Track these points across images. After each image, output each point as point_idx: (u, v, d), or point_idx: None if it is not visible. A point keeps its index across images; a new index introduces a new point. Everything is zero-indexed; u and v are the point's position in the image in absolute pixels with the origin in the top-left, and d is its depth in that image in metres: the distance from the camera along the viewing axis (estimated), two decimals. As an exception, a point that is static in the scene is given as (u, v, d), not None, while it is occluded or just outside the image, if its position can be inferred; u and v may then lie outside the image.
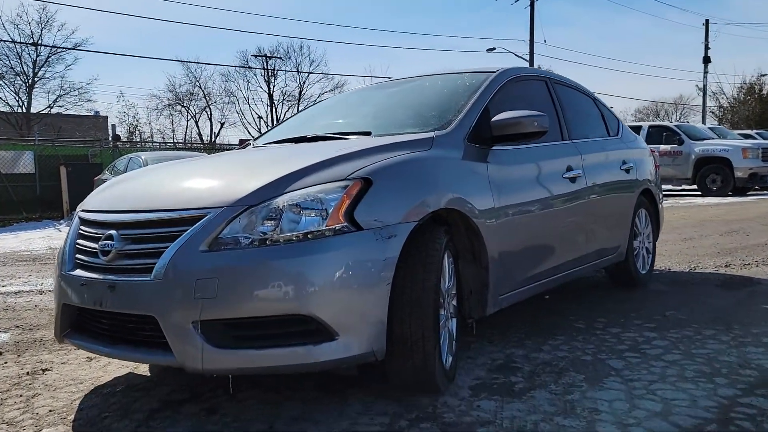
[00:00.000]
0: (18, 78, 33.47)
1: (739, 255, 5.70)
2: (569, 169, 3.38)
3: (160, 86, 69.44)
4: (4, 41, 32.17)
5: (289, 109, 39.94)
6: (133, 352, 2.20)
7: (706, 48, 35.01)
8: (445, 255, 2.38)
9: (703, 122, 33.12)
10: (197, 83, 40.12)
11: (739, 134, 18.85)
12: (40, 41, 32.93)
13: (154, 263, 2.08)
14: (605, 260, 3.86)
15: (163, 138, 39.10)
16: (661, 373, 2.55)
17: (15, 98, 33.91)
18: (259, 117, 39.92)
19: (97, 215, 2.43)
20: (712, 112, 42.25)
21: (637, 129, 13.92)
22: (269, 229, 2.07)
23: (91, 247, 2.36)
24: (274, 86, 39.59)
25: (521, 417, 2.15)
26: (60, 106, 35.40)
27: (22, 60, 33.46)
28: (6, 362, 3.21)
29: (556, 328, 3.35)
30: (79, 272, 2.35)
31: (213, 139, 39.46)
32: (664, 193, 4.98)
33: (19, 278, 6.13)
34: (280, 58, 39.20)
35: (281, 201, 2.10)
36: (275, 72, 39.14)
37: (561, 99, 3.68)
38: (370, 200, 2.15)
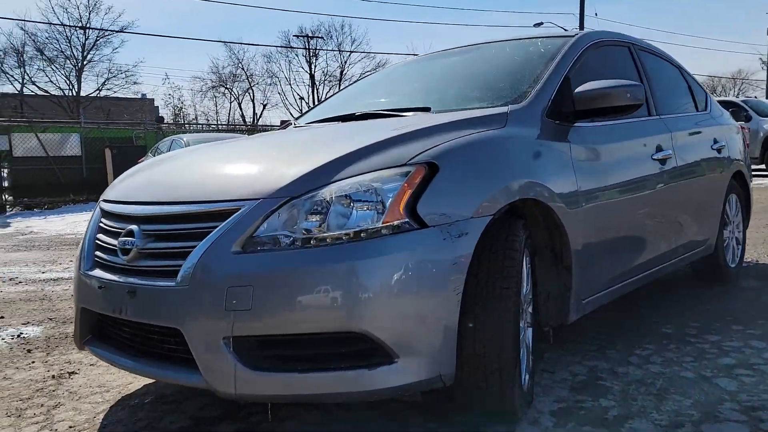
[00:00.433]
0: (68, 62, 34.15)
1: (836, 244, 5.07)
2: (659, 149, 2.89)
3: (204, 68, 70.15)
4: (54, 24, 32.81)
5: (329, 89, 39.66)
6: (158, 368, 1.88)
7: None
8: (524, 255, 1.97)
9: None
10: (240, 65, 40.20)
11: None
12: (88, 24, 33.45)
13: (180, 266, 1.75)
14: (693, 254, 3.36)
15: (207, 120, 39.43)
16: (787, 398, 2.10)
17: (66, 82, 34.66)
18: (301, 98, 39.77)
19: (118, 206, 2.12)
20: (776, 87, 39.85)
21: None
22: (314, 225, 1.71)
23: (110, 244, 2.04)
24: (315, 66, 39.31)
25: (622, 457, 1.75)
26: (108, 89, 36.03)
27: (71, 44, 34.11)
28: (33, 362, 2.97)
29: (639, 333, 2.90)
30: (97, 272, 2.04)
31: (255, 120, 39.59)
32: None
33: (60, 263, 6.01)
34: (322, 37, 38.83)
35: (328, 191, 1.73)
36: (317, 52, 38.83)
37: (646, 68, 3.18)
38: (436, 190, 1.75)
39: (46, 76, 35.17)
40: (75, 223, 10.09)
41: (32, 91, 33.56)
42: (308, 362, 1.66)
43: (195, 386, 1.75)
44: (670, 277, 4.15)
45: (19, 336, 3.43)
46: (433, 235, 1.71)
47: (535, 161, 2.12)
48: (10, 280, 5.18)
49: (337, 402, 2.11)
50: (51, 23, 32.73)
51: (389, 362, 1.64)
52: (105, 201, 2.25)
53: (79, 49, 34.26)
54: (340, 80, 39.41)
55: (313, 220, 1.72)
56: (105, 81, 35.40)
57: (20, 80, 32.90)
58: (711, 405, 2.06)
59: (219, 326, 1.67)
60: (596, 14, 56.18)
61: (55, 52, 33.53)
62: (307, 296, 1.63)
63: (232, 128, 29.12)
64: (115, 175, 13.21)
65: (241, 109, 41.20)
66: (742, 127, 4.21)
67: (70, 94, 34.54)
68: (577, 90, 2.38)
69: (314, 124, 2.79)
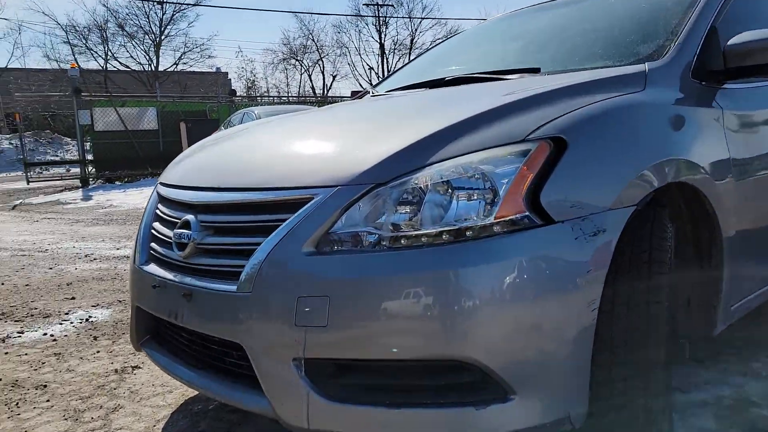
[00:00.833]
0: (147, 37, 35.13)
1: None
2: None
3: (276, 40, 70.85)
4: (133, 0, 33.71)
5: (399, 59, 38.96)
6: (218, 385, 1.58)
7: None
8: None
9: None
10: (310, 36, 40.10)
11: None
12: None
13: (242, 266, 1.43)
14: None
15: (278, 92, 39.78)
16: None
17: (145, 57, 35.73)
18: (370, 68, 39.32)
19: (174, 192, 1.83)
20: None
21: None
22: (404, 219, 1.34)
23: (166, 236, 1.76)
24: (385, 35, 38.62)
25: None
26: (184, 63, 36.86)
27: (150, 19, 35.00)
28: (98, 351, 2.81)
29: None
30: (152, 268, 1.77)
31: (325, 92, 39.57)
32: None
33: (134, 239, 5.97)
34: (392, 5, 38.00)
35: (423, 177, 1.35)
36: (387, 20, 38.09)
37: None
38: (565, 173, 1.34)
39: (127, 51, 36.42)
40: (152, 196, 10.23)
41: (114, 67, 34.84)
42: (399, 395, 1.31)
43: (262, 413, 1.45)
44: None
45: (87, 320, 3.30)
46: (561, 233, 1.30)
47: (682, 134, 1.65)
48: (86, 256, 5.16)
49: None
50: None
51: (503, 399, 1.27)
52: (162, 184, 1.97)
53: (157, 24, 35.11)
54: (410, 49, 38.63)
55: (404, 212, 1.35)
56: (181, 55, 36.24)
57: (104, 56, 34.19)
58: None
59: (288, 345, 1.34)
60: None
61: (134, 28, 34.54)
62: (397, 312, 1.27)
63: (302, 100, 29.17)
64: (190, 149, 13.39)
65: (311, 80, 41.28)
66: None
67: (149, 68, 35.62)
68: (729, 43, 1.87)
69: (396, 93, 2.39)
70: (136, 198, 10.16)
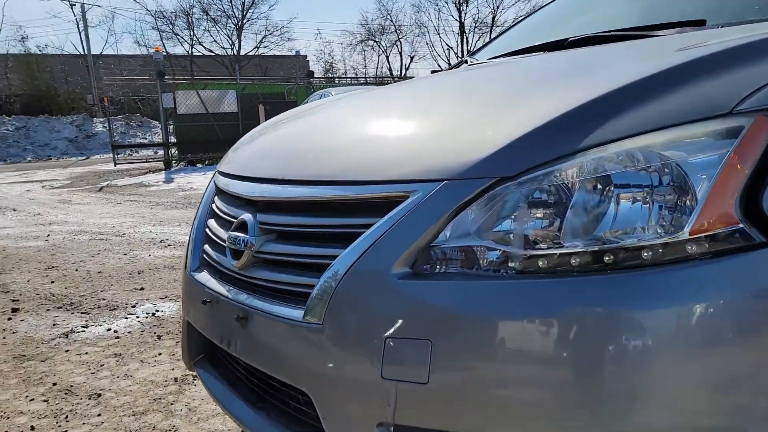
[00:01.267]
0: (229, 21, 35.87)
1: None
2: None
3: (354, 22, 70.86)
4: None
5: (479, 38, 37.79)
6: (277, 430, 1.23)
7: None
8: None
9: None
10: (388, 16, 39.65)
11: None
12: (246, -17, 34.69)
13: (311, 286, 1.06)
14: None
15: (356, 74, 39.67)
16: None
17: (228, 41, 36.54)
18: (449, 48, 38.42)
19: (232, 183, 1.47)
20: None
21: None
22: (540, 229, 0.92)
23: (220, 238, 1.42)
24: (465, 14, 37.54)
25: None
26: (265, 47, 37.41)
27: (233, 3, 35.70)
28: (160, 354, 2.56)
29: None
30: (203, 277, 1.43)
31: (403, 73, 39.07)
32: None
33: (210, 225, 5.83)
34: (473, -18, 36.83)
35: (571, 168, 0.91)
36: (467, -3, 36.97)
37: None
38: (798, 164, 0.87)
39: (211, 36, 37.37)
40: (230, 179, 10.20)
41: (199, 52, 35.84)
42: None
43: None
44: None
45: (153, 315, 3.09)
46: (793, 259, 0.84)
47: None
48: (161, 242, 5.04)
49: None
50: (213, -15, 34.42)
51: None
52: (220, 173, 1.62)
53: (240, 8, 35.75)
54: (491, 27, 37.35)
55: (541, 220, 0.93)
56: (262, 38, 36.79)
57: (189, 41, 35.22)
58: None
59: (371, 403, 0.96)
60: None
61: (218, 13, 35.34)
62: (534, 373, 0.85)
63: (380, 81, 28.86)
64: (268, 131, 13.32)
65: (388, 62, 40.87)
66: None
67: (232, 53, 36.40)
68: None
69: (503, 59, 1.92)
70: (215, 181, 10.17)
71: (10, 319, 3.13)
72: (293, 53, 40.89)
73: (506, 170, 0.94)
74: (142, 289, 3.59)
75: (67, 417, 2.01)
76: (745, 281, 0.83)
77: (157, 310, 3.16)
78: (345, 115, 1.54)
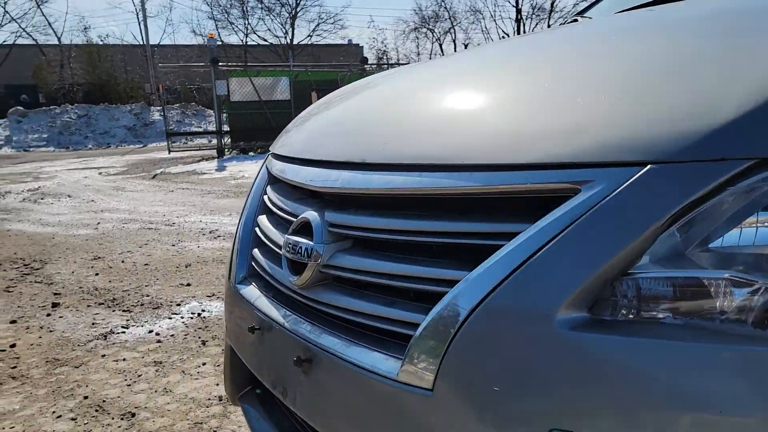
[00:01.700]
0: (283, 10, 35.94)
1: None
2: None
3: (407, 9, 70.20)
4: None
5: (537, 24, 36.64)
6: None
7: None
8: None
9: None
10: (443, 3, 38.92)
11: None
12: (300, -29, 34.62)
13: (413, 326, 0.69)
14: None
15: (409, 62, 39.14)
16: None
17: (281, 29, 36.64)
18: (505, 35, 37.40)
19: (289, 169, 1.10)
20: None
21: None
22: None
23: (273, 243, 1.06)
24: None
25: None
26: (318, 35, 37.34)
27: (286, -8, 35.73)
28: (204, 364, 2.25)
29: None
30: (251, 293, 1.08)
31: (457, 61, 38.32)
32: None
33: (262, 215, 5.56)
34: (531, -34, 35.66)
35: None
36: (524, -17, 35.85)
37: None
38: None
39: (265, 25, 37.53)
40: (282, 167, 9.97)
41: (254, 41, 36.07)
42: None
43: None
44: None
45: (198, 315, 2.80)
46: None
47: None
48: (210, 233, 4.79)
49: None
50: (268, -28, 34.48)
51: None
52: (275, 156, 1.26)
53: (293, -4, 35.75)
54: (550, 13, 36.16)
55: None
56: (316, 26, 36.76)
57: (244, 30, 35.51)
58: None
59: None
60: None
61: (272, 1, 35.44)
62: None
63: (433, 70, 28.32)
64: (321, 119, 13.06)
65: (441, 50, 40.19)
66: None
67: (285, 42, 36.49)
68: None
69: (642, 11, 1.46)
70: (267, 169, 9.97)
71: (49, 315, 2.90)
72: (346, 42, 40.79)
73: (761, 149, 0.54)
74: (188, 285, 3.31)
75: (94, 443, 1.72)
76: None
77: (203, 310, 2.87)
78: (448, 74, 1.13)
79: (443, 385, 0.64)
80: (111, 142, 20.97)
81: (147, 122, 23.66)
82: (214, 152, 13.49)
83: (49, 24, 40.76)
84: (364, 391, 0.75)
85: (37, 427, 1.82)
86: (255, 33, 36.13)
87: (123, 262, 3.92)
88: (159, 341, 2.51)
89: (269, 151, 1.34)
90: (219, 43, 13.50)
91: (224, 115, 13.61)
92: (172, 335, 2.57)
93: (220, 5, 34.85)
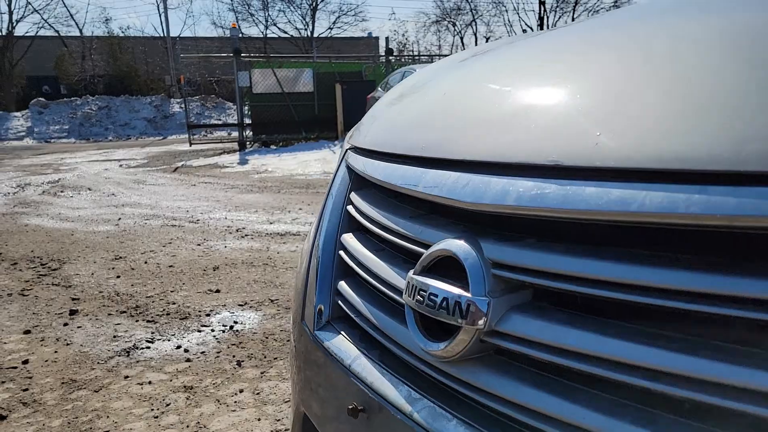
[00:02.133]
0: (303, 1, 35.67)
1: None
2: None
3: (429, 1, 69.54)
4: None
5: (560, 17, 35.95)
6: None
7: None
8: None
9: None
10: (464, -5, 38.28)
11: None
12: (321, -37, 34.27)
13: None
14: None
15: (430, 55, 38.68)
16: None
17: (302, 22, 36.38)
18: (528, 27, 36.73)
19: (400, 171, 0.76)
20: None
21: None
22: None
23: (380, 280, 0.73)
24: (547, -8, 35.68)
25: None
26: (339, 27, 37.00)
27: (307, -17, 35.40)
28: (241, 390, 1.95)
29: None
30: (343, 347, 0.76)
31: (479, 54, 37.76)
32: None
33: (289, 212, 5.26)
34: (555, -42, 34.90)
35: None
36: (549, -25, 35.08)
37: None
38: None
39: (285, 17, 37.24)
40: (306, 162, 9.69)
41: (274, 33, 35.84)
42: None
43: None
44: None
45: (231, 328, 2.49)
46: None
47: None
48: (237, 231, 4.50)
49: None
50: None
51: None
52: (355, 150, 0.93)
53: (314, -13, 35.43)
54: (574, 6, 35.45)
55: None
56: (336, 18, 36.42)
57: (264, 22, 35.25)
58: None
59: None
60: None
61: (292, -6, 35.18)
62: None
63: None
64: (345, 113, 12.66)
65: (462, 43, 39.66)
66: None
67: (306, 34, 36.21)
68: None
69: None
70: (290, 164, 9.68)
71: (66, 324, 2.62)
72: (366, 35, 40.48)
73: None
74: (217, 291, 3.01)
75: (116, 499, 1.42)
76: None
77: (235, 322, 2.56)
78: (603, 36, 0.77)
79: None
80: (131, 133, 20.87)
81: (167, 114, 23.54)
82: (235, 145, 13.26)
83: (71, 15, 40.96)
84: None
85: (48, 474, 1.53)
86: (275, 25, 35.90)
87: (146, 263, 3.64)
88: (188, 359, 2.21)
89: (347, 140, 1.01)
90: (240, 35, 13.20)
91: (246, 107, 13.34)
92: (203, 352, 2.27)
93: (241, -3, 34.65)
